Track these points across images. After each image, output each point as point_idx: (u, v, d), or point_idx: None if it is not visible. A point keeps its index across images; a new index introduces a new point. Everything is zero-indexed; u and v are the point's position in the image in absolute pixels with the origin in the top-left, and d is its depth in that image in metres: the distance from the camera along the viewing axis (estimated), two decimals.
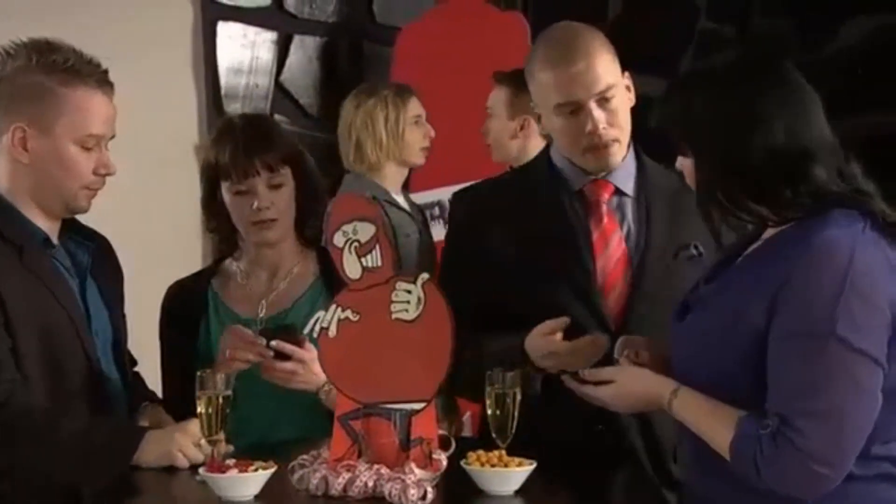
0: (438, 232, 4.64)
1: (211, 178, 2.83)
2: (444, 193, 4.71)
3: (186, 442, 2.42)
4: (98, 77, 2.57)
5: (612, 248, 2.66)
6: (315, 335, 2.29)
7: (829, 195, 2.11)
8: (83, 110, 2.54)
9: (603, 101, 2.61)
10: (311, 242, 2.90)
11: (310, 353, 2.60)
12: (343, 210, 2.31)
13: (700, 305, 2.23)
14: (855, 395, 2.03)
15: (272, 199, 2.77)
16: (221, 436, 2.30)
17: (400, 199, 4.25)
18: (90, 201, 2.61)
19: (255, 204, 2.75)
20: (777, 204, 2.12)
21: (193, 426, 2.40)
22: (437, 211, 4.79)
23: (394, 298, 2.25)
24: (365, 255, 2.27)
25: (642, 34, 5.26)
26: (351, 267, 2.29)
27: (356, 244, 2.27)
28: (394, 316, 2.25)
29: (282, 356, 2.62)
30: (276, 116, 4.81)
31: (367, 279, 2.28)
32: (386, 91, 4.34)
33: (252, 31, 5.02)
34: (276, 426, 2.76)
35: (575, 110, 2.62)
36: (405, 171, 4.40)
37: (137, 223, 4.09)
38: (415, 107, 4.35)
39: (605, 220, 2.68)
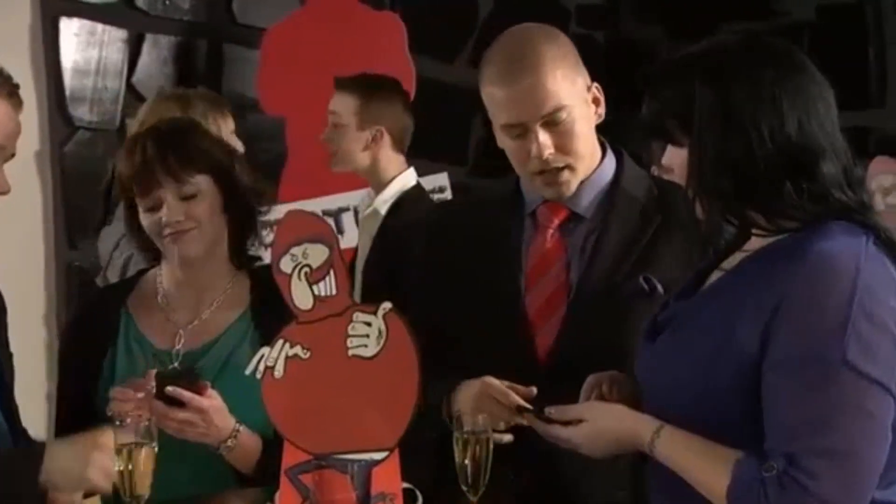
0: None
1: (125, 195, 2.52)
2: (315, 204, 4.50)
3: (103, 458, 2.13)
4: (9, 89, 2.35)
5: (549, 277, 2.46)
6: (259, 375, 2.02)
7: (833, 203, 1.94)
8: None
9: (550, 124, 2.39)
10: (245, 264, 2.59)
11: (210, 401, 2.34)
12: (291, 230, 2.07)
13: (675, 324, 2.04)
14: (869, 429, 1.87)
15: (184, 210, 2.45)
16: (146, 494, 2.05)
17: None
18: None
19: (164, 218, 2.43)
20: (772, 209, 1.94)
21: (105, 437, 2.12)
22: None
23: (351, 332, 2.06)
24: (317, 282, 2.06)
25: None
26: (301, 296, 2.06)
27: (307, 269, 2.05)
28: (351, 352, 2.06)
29: (178, 403, 2.32)
30: (129, 121, 4.48)
31: (320, 310, 2.06)
32: (198, 101, 3.82)
33: (100, 29, 4.74)
34: (173, 481, 2.40)
35: (522, 133, 2.41)
36: None
37: None
38: (231, 120, 3.93)
39: (549, 246, 2.48)
